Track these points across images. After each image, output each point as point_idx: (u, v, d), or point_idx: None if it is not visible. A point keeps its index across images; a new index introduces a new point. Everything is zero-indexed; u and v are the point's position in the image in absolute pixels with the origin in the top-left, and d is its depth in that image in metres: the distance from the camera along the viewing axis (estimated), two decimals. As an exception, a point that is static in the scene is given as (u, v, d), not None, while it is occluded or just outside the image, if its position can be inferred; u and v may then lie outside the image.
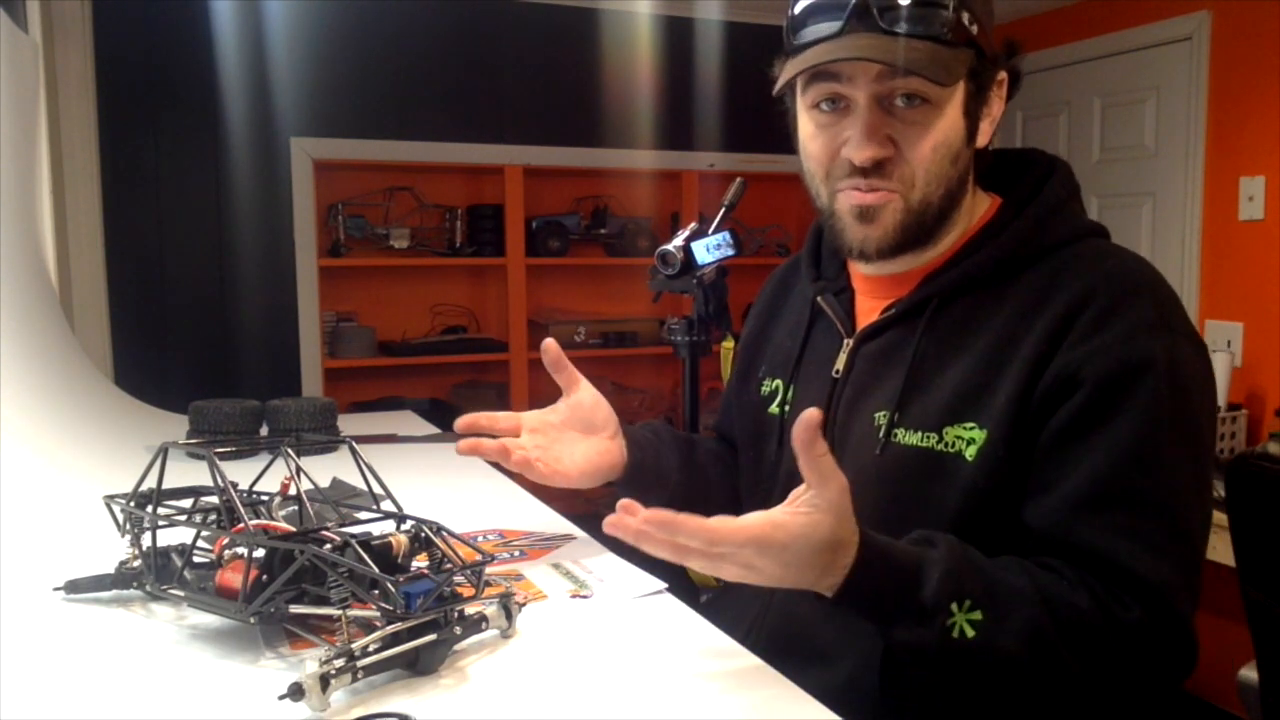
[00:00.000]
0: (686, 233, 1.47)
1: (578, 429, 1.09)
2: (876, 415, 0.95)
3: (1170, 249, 3.24)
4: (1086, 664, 0.81)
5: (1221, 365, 2.90)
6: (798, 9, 0.93)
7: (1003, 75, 0.95)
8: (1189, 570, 0.85)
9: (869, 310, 1.03)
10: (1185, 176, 3.17)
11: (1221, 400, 2.86)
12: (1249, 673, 1.86)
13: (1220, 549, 2.45)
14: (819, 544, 0.77)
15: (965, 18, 0.88)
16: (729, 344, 1.46)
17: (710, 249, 1.45)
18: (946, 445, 0.89)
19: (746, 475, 1.15)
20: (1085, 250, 0.93)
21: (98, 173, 2.96)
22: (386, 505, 1.00)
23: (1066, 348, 0.87)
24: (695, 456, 1.19)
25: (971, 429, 0.88)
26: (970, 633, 0.79)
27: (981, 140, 0.96)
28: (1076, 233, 0.95)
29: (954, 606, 0.79)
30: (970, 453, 0.88)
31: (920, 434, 0.91)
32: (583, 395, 1.10)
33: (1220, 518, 2.30)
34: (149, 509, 0.94)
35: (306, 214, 3.37)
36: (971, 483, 0.88)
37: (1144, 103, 3.31)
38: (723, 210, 1.50)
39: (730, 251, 1.47)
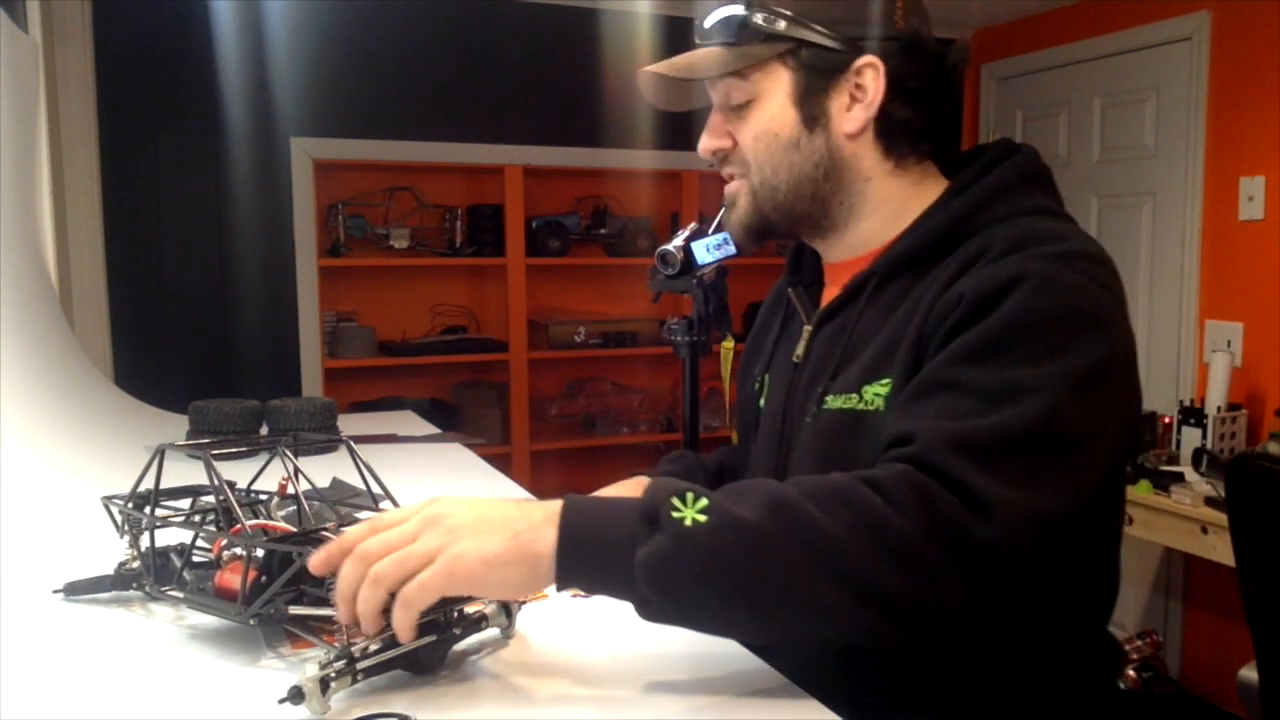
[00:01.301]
0: (686, 233, 1.47)
1: None
2: (817, 389, 0.97)
3: (1170, 249, 3.24)
4: (838, 522, 0.74)
5: (1221, 365, 2.90)
6: None
7: (869, 59, 0.94)
8: (998, 451, 0.76)
9: (830, 297, 1.05)
10: (1185, 176, 3.17)
11: (1221, 400, 2.86)
12: (1249, 673, 1.86)
13: (1220, 549, 2.46)
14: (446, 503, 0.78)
15: (761, 17, 0.95)
16: (729, 344, 1.46)
17: (710, 249, 1.45)
18: (866, 403, 0.91)
19: (746, 469, 1.17)
20: (1020, 223, 0.91)
21: (98, 173, 2.96)
22: (386, 505, 1.00)
23: (958, 282, 0.87)
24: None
25: (885, 383, 0.90)
26: (705, 519, 0.75)
27: (851, 126, 0.96)
28: (1016, 212, 0.93)
29: (674, 500, 0.75)
30: (884, 406, 0.89)
31: (844, 396, 0.94)
32: None
33: (1220, 517, 2.31)
34: (147, 510, 0.94)
35: (306, 214, 3.37)
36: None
37: (1144, 103, 3.31)
38: (723, 210, 1.50)
39: (730, 251, 1.46)
